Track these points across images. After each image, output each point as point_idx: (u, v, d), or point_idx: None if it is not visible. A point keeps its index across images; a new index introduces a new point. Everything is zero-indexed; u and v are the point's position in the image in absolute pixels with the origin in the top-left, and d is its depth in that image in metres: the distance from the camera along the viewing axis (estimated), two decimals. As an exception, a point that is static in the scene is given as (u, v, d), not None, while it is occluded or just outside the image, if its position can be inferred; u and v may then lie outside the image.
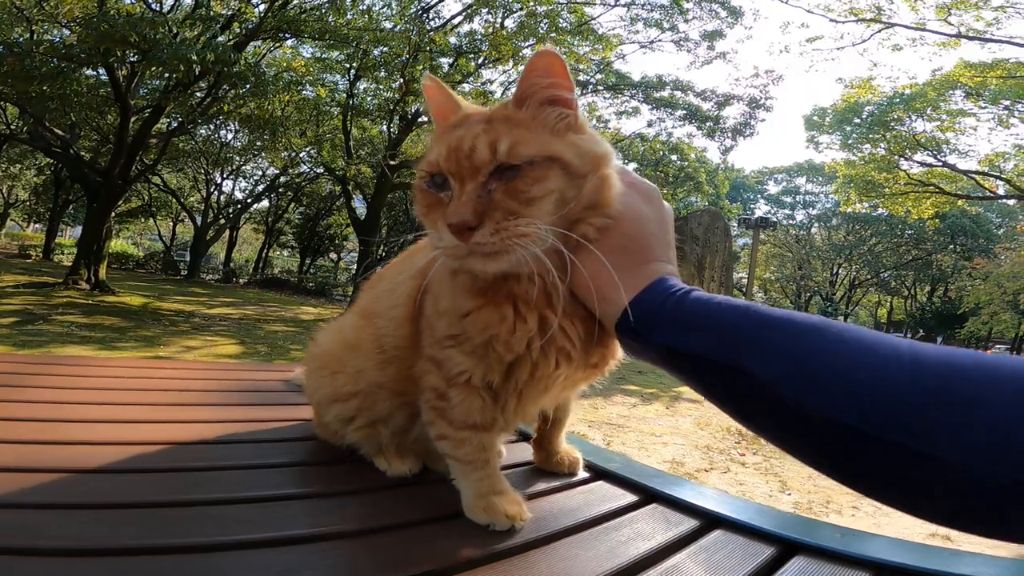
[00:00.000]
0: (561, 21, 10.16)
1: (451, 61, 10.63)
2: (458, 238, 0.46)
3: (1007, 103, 9.52)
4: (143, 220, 22.23)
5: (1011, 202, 18.82)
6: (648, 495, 0.64)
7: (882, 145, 11.13)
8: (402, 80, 9.90)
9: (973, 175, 11.38)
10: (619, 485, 0.66)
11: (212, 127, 14.43)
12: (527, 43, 10.16)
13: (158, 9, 9.09)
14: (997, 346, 29.01)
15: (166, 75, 8.37)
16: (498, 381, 0.56)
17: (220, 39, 8.24)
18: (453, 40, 10.60)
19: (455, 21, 10.87)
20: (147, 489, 0.55)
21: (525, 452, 0.75)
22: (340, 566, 0.46)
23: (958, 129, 10.54)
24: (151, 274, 17.68)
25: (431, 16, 10.57)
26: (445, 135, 0.52)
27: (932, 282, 27.30)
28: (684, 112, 11.59)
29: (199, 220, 18.03)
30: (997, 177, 11.26)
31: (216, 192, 18.81)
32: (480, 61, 10.66)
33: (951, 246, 25.14)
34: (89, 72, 9.16)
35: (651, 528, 0.56)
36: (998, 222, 25.38)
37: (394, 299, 0.64)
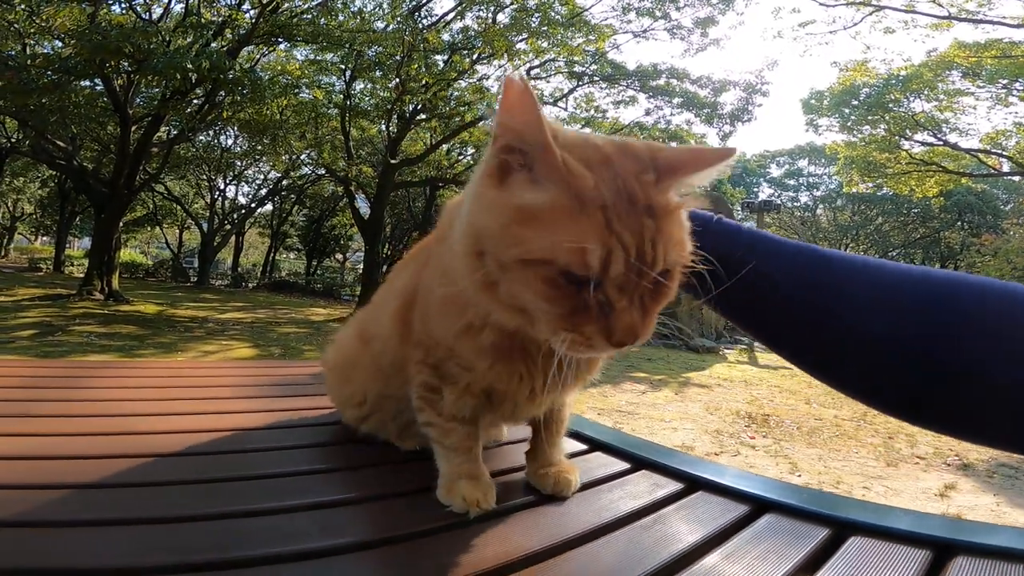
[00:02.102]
0: (553, 13, 10.16)
1: (446, 58, 10.66)
2: (617, 348, 0.43)
3: (1005, 82, 9.47)
4: (149, 229, 22.41)
5: (1016, 178, 18.66)
6: (638, 462, 0.72)
7: (882, 126, 11.09)
8: (398, 80, 9.94)
9: (975, 153, 11.32)
10: (613, 455, 0.74)
11: (212, 133, 14.53)
12: (520, 37, 10.17)
13: (148, 18, 9.15)
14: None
15: (163, 84, 8.45)
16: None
17: (213, 46, 8.31)
18: (446, 37, 10.62)
19: (448, 18, 10.89)
20: (209, 468, 0.64)
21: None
22: (368, 522, 0.55)
23: (957, 108, 10.49)
24: (161, 282, 17.86)
25: (423, 14, 10.60)
26: (584, 215, 0.40)
27: (941, 259, 27.11)
28: (681, 100, 11.59)
29: (205, 226, 18.17)
30: (999, 155, 11.20)
31: (220, 198, 18.95)
32: (475, 57, 10.68)
33: (958, 223, 24.95)
34: (85, 83, 9.25)
35: (640, 490, 0.64)
36: (1005, 198, 25.16)
37: (383, 322, 0.65)
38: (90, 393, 0.95)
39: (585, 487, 0.63)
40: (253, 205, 19.48)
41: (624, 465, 0.71)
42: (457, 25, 10.98)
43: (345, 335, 0.79)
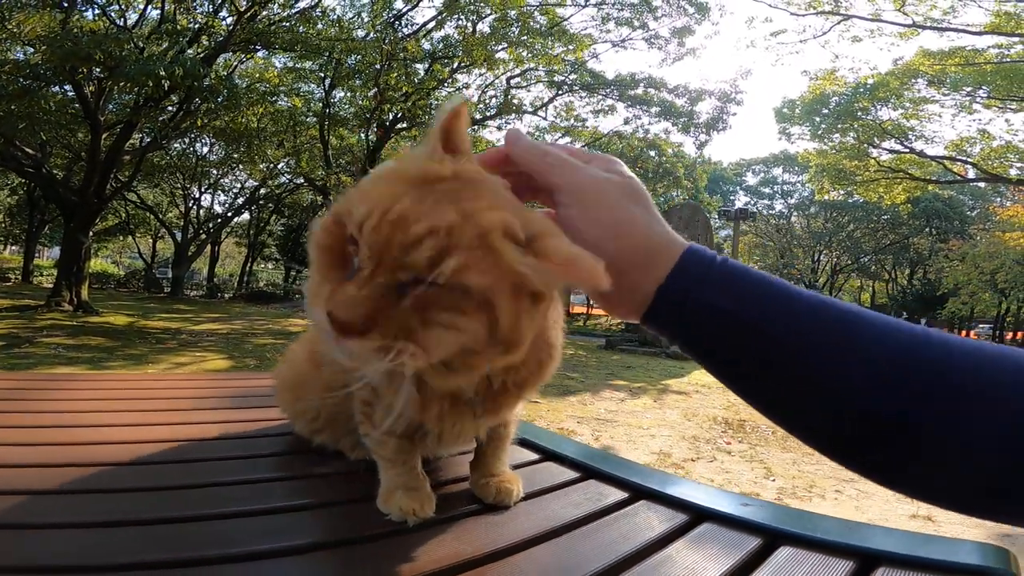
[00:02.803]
0: (533, 23, 10.28)
1: (426, 67, 10.70)
2: (332, 330, 0.37)
3: (969, 89, 9.82)
4: (121, 238, 22.00)
5: (982, 184, 19.29)
6: (587, 472, 0.73)
7: (851, 134, 11.42)
8: (377, 89, 9.95)
9: (941, 160, 11.69)
10: (563, 464, 0.76)
11: (186, 141, 14.34)
12: (500, 46, 10.27)
13: (122, 24, 9.02)
14: (980, 326, 29.64)
15: (136, 91, 8.35)
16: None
17: (188, 53, 8.22)
18: (427, 46, 10.69)
19: (428, 27, 10.95)
20: (162, 476, 0.65)
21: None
22: (313, 527, 0.56)
23: (923, 116, 10.86)
24: (133, 293, 17.51)
25: (403, 24, 10.64)
26: (391, 189, 0.39)
27: (911, 265, 27.88)
28: (659, 109, 11.80)
29: (179, 236, 17.89)
30: (964, 161, 11.58)
31: (195, 207, 18.69)
32: (455, 66, 10.74)
33: (927, 229, 25.71)
34: (56, 89, 9.10)
35: (584, 499, 0.65)
36: (971, 204, 26.01)
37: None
38: (52, 405, 0.95)
39: (530, 496, 0.64)
40: (229, 214, 19.24)
41: (573, 474, 0.72)
42: (437, 34, 11.06)
43: (298, 352, 0.79)
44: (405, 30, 10.66)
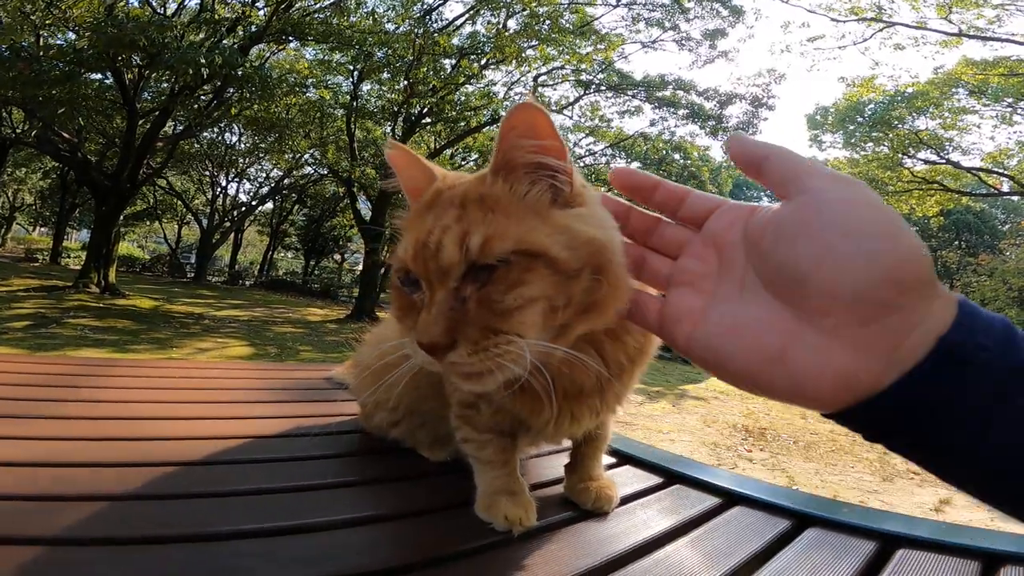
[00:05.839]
0: (563, 21, 10.22)
1: (454, 62, 10.69)
2: (431, 356, 0.39)
3: (1010, 100, 9.55)
4: (148, 223, 22.39)
5: (1015, 198, 18.80)
6: (670, 476, 0.71)
7: (885, 143, 11.16)
8: (407, 83, 9.97)
9: (977, 172, 11.39)
10: (643, 468, 0.74)
11: (217, 130, 14.52)
12: (530, 43, 10.22)
13: (163, 13, 9.16)
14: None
15: (172, 79, 8.46)
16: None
17: (225, 42, 8.32)
18: (456, 41, 10.67)
19: (458, 22, 10.95)
20: (230, 479, 0.61)
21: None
22: (409, 542, 0.52)
23: (961, 127, 10.56)
24: (158, 277, 17.83)
25: (434, 18, 10.65)
26: (416, 221, 0.43)
27: (939, 278, 27.29)
28: (686, 111, 11.65)
29: (205, 223, 18.17)
30: (1000, 174, 11.27)
31: (221, 194, 18.96)
32: (484, 62, 10.72)
33: (956, 243, 25.13)
34: (96, 76, 9.25)
35: (677, 505, 0.63)
36: (1003, 218, 25.39)
37: None
38: (100, 393, 0.91)
39: (621, 501, 0.62)
40: (254, 203, 19.48)
41: (656, 479, 0.70)
42: (467, 30, 11.04)
43: (375, 338, 0.76)
44: (436, 24, 10.67)
